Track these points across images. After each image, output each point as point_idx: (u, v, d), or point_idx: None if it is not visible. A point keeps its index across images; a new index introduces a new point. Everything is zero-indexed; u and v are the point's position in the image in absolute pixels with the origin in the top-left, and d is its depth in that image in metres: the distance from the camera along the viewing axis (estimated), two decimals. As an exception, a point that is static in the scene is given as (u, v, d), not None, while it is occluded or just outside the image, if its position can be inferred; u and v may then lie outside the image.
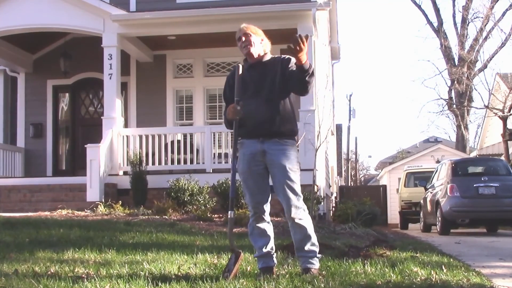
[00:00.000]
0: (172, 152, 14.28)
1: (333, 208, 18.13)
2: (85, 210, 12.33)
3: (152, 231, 8.78)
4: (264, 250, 4.97)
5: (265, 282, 4.56)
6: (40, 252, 6.30)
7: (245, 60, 5.14)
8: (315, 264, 4.97)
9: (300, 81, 4.76)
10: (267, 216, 5.04)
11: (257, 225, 4.98)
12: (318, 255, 5.05)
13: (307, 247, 4.93)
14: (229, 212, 4.90)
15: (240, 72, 5.02)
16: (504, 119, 22.41)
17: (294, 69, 4.81)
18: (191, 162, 14.19)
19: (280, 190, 4.86)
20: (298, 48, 4.53)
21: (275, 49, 18.54)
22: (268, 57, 5.11)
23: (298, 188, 4.90)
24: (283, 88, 4.93)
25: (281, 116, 4.91)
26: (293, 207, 4.84)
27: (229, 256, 4.96)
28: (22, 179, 15.22)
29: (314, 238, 4.98)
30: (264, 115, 4.87)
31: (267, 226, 5.03)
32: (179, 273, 5.06)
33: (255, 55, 5.04)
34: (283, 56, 5.10)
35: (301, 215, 4.89)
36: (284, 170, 4.83)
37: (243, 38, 5.03)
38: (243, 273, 5.04)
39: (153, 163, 14.08)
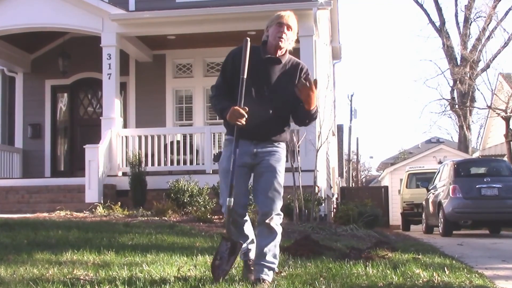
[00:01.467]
0: (172, 152, 14.21)
1: (334, 210, 18.05)
2: (84, 211, 12.26)
3: (152, 232, 8.75)
4: (244, 246, 4.73)
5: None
6: (38, 254, 6.26)
7: (263, 46, 4.69)
8: (270, 276, 4.63)
9: (303, 119, 4.68)
10: (246, 216, 4.80)
11: (233, 225, 4.70)
12: (276, 269, 4.77)
13: (270, 257, 4.62)
14: (228, 199, 4.50)
15: (248, 52, 4.52)
16: (507, 120, 22.36)
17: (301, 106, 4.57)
18: (191, 163, 14.13)
19: (266, 192, 4.59)
20: (307, 93, 4.40)
21: (276, 48, 18.10)
22: (287, 56, 4.74)
23: (282, 193, 4.69)
24: (294, 102, 4.61)
25: (282, 125, 4.72)
26: (274, 211, 4.59)
27: (220, 242, 4.64)
28: (20, 180, 15.19)
29: (278, 250, 4.71)
30: (268, 123, 4.62)
31: (247, 224, 4.81)
32: (178, 275, 4.99)
33: (281, 52, 4.67)
34: (303, 65, 4.77)
35: (278, 221, 4.66)
36: (274, 171, 4.61)
37: (284, 29, 4.63)
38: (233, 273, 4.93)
39: (153, 164, 14.03)
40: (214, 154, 5.06)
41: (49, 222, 9.70)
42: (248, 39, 4.58)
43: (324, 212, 13.80)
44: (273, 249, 4.63)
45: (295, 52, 16.63)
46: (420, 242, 10.79)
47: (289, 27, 4.64)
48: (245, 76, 4.48)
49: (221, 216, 11.35)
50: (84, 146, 13.75)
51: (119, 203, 12.51)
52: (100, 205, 12.51)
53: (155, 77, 16.66)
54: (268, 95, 4.60)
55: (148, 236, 8.29)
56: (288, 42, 4.67)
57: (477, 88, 29.25)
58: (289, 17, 4.69)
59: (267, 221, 4.58)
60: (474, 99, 31.59)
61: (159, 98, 16.61)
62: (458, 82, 30.67)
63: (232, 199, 4.51)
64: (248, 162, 4.64)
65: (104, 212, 12.12)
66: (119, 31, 14.39)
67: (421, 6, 34.57)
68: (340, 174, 36.40)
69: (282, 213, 4.70)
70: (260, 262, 4.61)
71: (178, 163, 14.04)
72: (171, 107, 16.68)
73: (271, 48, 4.65)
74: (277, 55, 4.65)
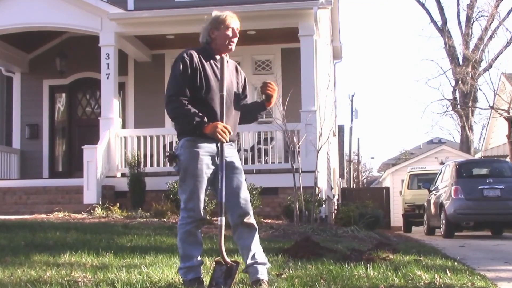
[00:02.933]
0: None
1: (335, 211, 18.02)
2: (82, 213, 12.28)
3: (151, 234, 8.74)
4: (199, 259, 4.64)
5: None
6: (36, 255, 6.27)
7: (208, 46, 4.67)
8: (266, 274, 4.61)
9: (256, 114, 4.91)
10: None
11: (196, 231, 4.61)
12: (267, 265, 4.72)
13: (260, 255, 4.59)
14: (219, 218, 4.47)
15: (189, 60, 4.53)
16: (509, 120, 22.38)
17: (253, 103, 4.92)
18: (190, 163, 13.97)
19: (238, 193, 4.58)
20: (270, 93, 4.66)
21: (276, 48, 18.42)
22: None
23: None
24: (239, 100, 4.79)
25: (237, 123, 4.78)
26: (249, 210, 4.60)
27: (213, 267, 4.53)
28: (17, 181, 15.15)
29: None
30: (232, 123, 4.63)
31: (200, 234, 4.71)
32: (177, 277, 4.91)
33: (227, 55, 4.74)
34: (238, 66, 4.91)
35: (254, 219, 4.68)
36: (241, 172, 4.65)
37: (236, 33, 4.67)
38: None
39: (152, 165, 14.00)
40: (168, 153, 4.96)
41: (47, 224, 9.71)
42: (224, 56, 4.63)
43: (325, 214, 13.79)
44: (259, 246, 4.63)
45: (295, 51, 16.45)
46: (421, 244, 10.80)
47: (237, 30, 4.68)
48: (224, 93, 4.53)
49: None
50: (82, 147, 13.74)
51: (118, 204, 12.56)
52: (98, 206, 12.51)
53: (154, 77, 16.56)
54: (228, 96, 4.61)
55: (147, 238, 8.28)
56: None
57: (479, 88, 29.13)
58: (236, 19, 4.69)
59: (245, 220, 4.57)
60: (476, 99, 31.58)
61: (158, 98, 16.25)
62: (460, 82, 30.67)
63: (223, 218, 4.48)
64: (214, 163, 4.57)
65: (103, 213, 12.10)
66: (117, 31, 14.36)
67: (422, 5, 34.55)
68: (341, 175, 36.38)
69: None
70: (253, 263, 4.56)
71: (178, 164, 13.89)
72: (170, 107, 16.50)
73: (221, 51, 4.66)
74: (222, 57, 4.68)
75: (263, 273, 4.55)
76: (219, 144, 4.51)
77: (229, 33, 4.62)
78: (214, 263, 4.56)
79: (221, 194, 4.45)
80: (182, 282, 4.60)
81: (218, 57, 4.64)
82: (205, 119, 4.46)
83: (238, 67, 4.88)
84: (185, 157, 4.52)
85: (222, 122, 4.48)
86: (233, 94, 4.66)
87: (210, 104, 4.54)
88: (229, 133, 4.48)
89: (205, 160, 4.51)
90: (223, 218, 4.48)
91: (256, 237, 4.62)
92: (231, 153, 4.63)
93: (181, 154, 4.55)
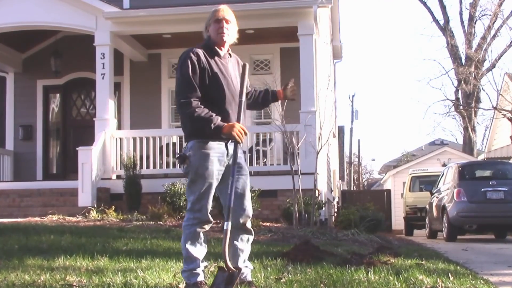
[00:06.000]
0: (168, 155, 14.10)
1: (335, 214, 18.11)
2: (77, 216, 12.24)
3: (147, 237, 8.76)
4: (203, 261, 4.64)
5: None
6: (30, 259, 6.31)
7: (207, 46, 4.68)
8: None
9: (266, 103, 5.09)
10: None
11: (200, 233, 4.61)
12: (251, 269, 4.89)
13: (247, 260, 4.78)
14: (225, 223, 4.46)
15: (196, 59, 4.54)
16: (513, 121, 22.27)
17: (269, 94, 5.04)
18: (187, 165, 13.86)
19: (244, 195, 4.67)
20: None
21: (275, 47, 18.31)
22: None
23: None
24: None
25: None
26: (251, 213, 4.71)
27: (216, 274, 4.52)
28: (11, 183, 15.13)
29: None
30: (241, 120, 4.63)
31: (204, 236, 4.71)
32: (174, 281, 4.98)
33: (227, 46, 4.73)
34: (238, 57, 4.94)
35: (250, 223, 4.78)
36: (247, 173, 4.74)
37: (223, 24, 4.65)
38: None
39: (148, 167, 13.94)
40: (178, 154, 4.92)
41: (41, 227, 9.74)
42: (198, 50, 4.60)
43: (325, 216, 13.78)
44: (249, 251, 4.78)
45: (295, 51, 16.26)
46: (423, 247, 10.81)
47: (227, 21, 4.66)
48: (243, 99, 4.59)
49: (218, 221, 11.15)
50: (77, 148, 13.70)
51: (113, 207, 12.48)
52: (93, 209, 12.48)
53: (150, 77, 16.61)
54: (236, 92, 4.66)
55: (143, 241, 8.30)
56: (231, 35, 4.71)
57: (482, 89, 29.38)
58: (223, 10, 4.68)
59: (246, 223, 4.66)
60: (479, 99, 31.67)
61: (154, 98, 16.56)
62: (462, 82, 30.72)
63: (230, 223, 4.47)
64: (225, 164, 4.62)
65: (98, 216, 12.10)
66: (113, 30, 14.32)
67: (424, 4, 34.65)
68: (341, 177, 36.43)
69: None
70: (246, 265, 4.73)
71: (174, 165, 13.86)
72: (166, 108, 16.53)
73: (218, 45, 4.68)
74: (224, 51, 4.72)
75: (250, 276, 4.75)
76: (228, 145, 4.58)
77: (218, 23, 4.64)
78: (217, 268, 4.61)
79: (230, 199, 4.47)
80: (185, 285, 4.61)
81: (221, 53, 4.67)
82: (219, 119, 4.47)
83: (240, 60, 4.92)
84: (196, 158, 4.53)
85: (239, 123, 4.53)
86: (243, 94, 4.68)
87: (219, 103, 4.55)
88: (245, 134, 4.54)
89: (215, 161, 4.54)
90: (230, 223, 4.46)
91: (250, 242, 4.75)
92: (239, 154, 4.67)
93: (192, 155, 4.55)
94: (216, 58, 4.62)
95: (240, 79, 4.63)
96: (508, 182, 14.08)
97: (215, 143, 4.53)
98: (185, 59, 4.52)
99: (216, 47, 4.65)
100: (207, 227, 4.63)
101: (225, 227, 4.45)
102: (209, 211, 4.58)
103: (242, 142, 4.51)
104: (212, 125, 4.42)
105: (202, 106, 4.46)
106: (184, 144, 4.81)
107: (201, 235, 4.59)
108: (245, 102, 4.75)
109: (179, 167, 4.62)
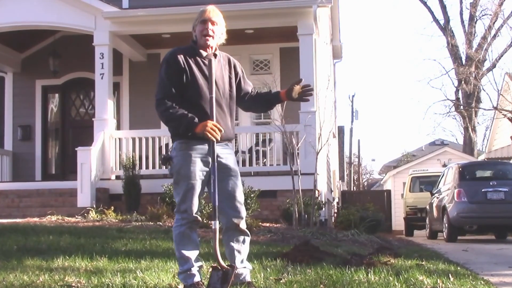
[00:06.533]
0: None
1: (335, 214, 18.11)
2: (76, 216, 12.23)
3: (146, 238, 8.78)
4: (197, 261, 4.60)
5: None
6: (29, 260, 6.32)
7: (191, 46, 4.67)
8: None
9: (271, 104, 4.92)
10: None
11: (190, 233, 4.59)
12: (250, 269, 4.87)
13: (247, 261, 4.75)
14: (213, 222, 4.45)
15: (173, 60, 4.54)
16: (514, 121, 22.24)
17: (270, 95, 4.88)
18: (186, 165, 13.85)
19: (234, 196, 4.61)
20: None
21: (275, 47, 18.26)
22: (217, 50, 4.76)
23: None
24: (238, 96, 4.80)
25: (233, 121, 4.77)
26: (244, 214, 4.66)
27: (209, 272, 4.53)
28: (9, 183, 15.09)
29: None
30: (224, 122, 4.61)
31: (195, 236, 4.68)
32: (173, 282, 4.99)
33: (212, 49, 4.67)
34: (232, 58, 4.85)
35: (245, 224, 4.72)
36: (237, 174, 4.67)
37: (208, 25, 4.60)
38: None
39: (147, 167, 13.89)
40: (162, 155, 4.92)
41: (39, 227, 9.73)
42: (213, 54, 4.63)
43: (325, 217, 13.78)
44: (247, 251, 4.73)
45: (294, 51, 16.25)
46: (423, 248, 10.83)
47: (213, 22, 4.62)
48: (213, 95, 4.51)
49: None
50: (76, 149, 13.67)
51: (112, 207, 12.50)
52: (92, 209, 12.44)
53: (150, 77, 16.26)
54: (220, 93, 4.62)
55: (142, 242, 8.32)
56: (216, 39, 4.66)
57: (483, 89, 29.35)
58: (210, 12, 4.64)
59: (239, 224, 4.62)
60: (480, 99, 31.62)
61: (153, 99, 16.12)
62: (463, 82, 30.68)
63: (217, 221, 4.48)
64: (208, 164, 4.56)
65: (97, 216, 12.09)
66: (112, 30, 14.29)
67: (424, 3, 34.66)
68: (341, 178, 36.37)
69: None
70: (244, 265, 4.69)
71: (174, 166, 13.74)
72: (166, 108, 16.37)
73: (203, 47, 4.63)
74: (209, 53, 4.66)
75: (249, 276, 4.72)
76: (211, 144, 4.51)
77: (203, 24, 4.59)
78: (210, 268, 4.57)
79: (214, 197, 4.45)
80: (183, 287, 4.60)
81: (205, 53, 4.63)
82: (196, 119, 4.45)
83: (232, 59, 4.83)
84: (178, 159, 4.54)
85: (212, 120, 4.47)
86: (227, 92, 4.66)
87: (200, 103, 4.53)
88: (220, 131, 4.45)
89: (198, 162, 4.52)
90: (217, 222, 4.47)
91: (247, 243, 4.71)
92: (225, 154, 4.63)
93: (174, 156, 4.57)
94: (198, 59, 4.60)
95: (208, 75, 4.54)
96: (509, 182, 14.08)
97: (198, 143, 4.51)
98: (163, 60, 4.59)
99: (200, 49, 4.63)
100: (196, 226, 4.62)
101: (213, 227, 4.45)
102: (195, 211, 4.54)
103: (217, 140, 4.45)
104: (184, 124, 4.44)
105: (177, 107, 4.46)
106: (170, 145, 4.80)
107: (192, 235, 4.57)
108: (246, 100, 4.78)
109: (165, 168, 4.60)
